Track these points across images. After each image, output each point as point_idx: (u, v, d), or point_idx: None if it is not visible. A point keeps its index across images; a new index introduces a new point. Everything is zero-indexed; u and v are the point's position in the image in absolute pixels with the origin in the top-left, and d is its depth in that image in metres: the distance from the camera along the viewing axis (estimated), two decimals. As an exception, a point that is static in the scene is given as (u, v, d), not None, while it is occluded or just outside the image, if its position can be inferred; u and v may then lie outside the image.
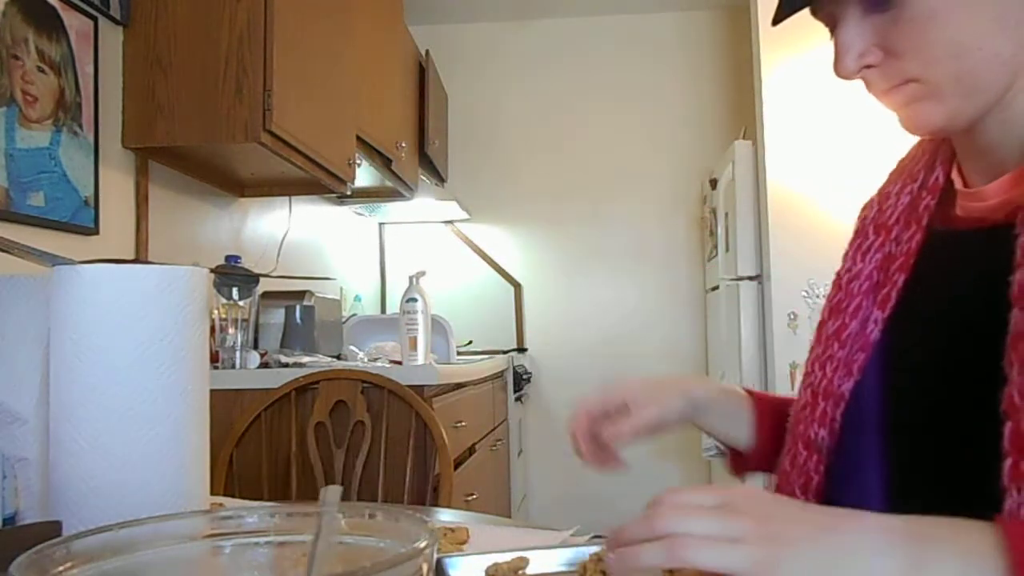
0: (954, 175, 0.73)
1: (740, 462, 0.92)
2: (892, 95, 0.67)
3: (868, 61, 0.66)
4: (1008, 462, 0.55)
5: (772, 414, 0.88)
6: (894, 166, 0.82)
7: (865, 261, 0.76)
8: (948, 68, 0.63)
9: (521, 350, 3.95)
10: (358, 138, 2.51)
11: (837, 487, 0.72)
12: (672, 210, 3.96)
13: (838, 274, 0.80)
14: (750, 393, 0.91)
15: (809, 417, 0.75)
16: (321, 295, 2.41)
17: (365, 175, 2.89)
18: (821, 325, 0.79)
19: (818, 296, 2.96)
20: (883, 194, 0.80)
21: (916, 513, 0.49)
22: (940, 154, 0.76)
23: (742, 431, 0.89)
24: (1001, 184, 0.66)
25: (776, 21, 0.68)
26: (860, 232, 0.79)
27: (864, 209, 0.82)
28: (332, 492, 0.51)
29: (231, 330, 2.01)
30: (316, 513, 0.50)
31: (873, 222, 0.78)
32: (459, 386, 2.31)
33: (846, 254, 0.80)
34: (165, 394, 0.69)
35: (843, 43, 0.66)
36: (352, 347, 2.47)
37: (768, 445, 0.87)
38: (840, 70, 0.67)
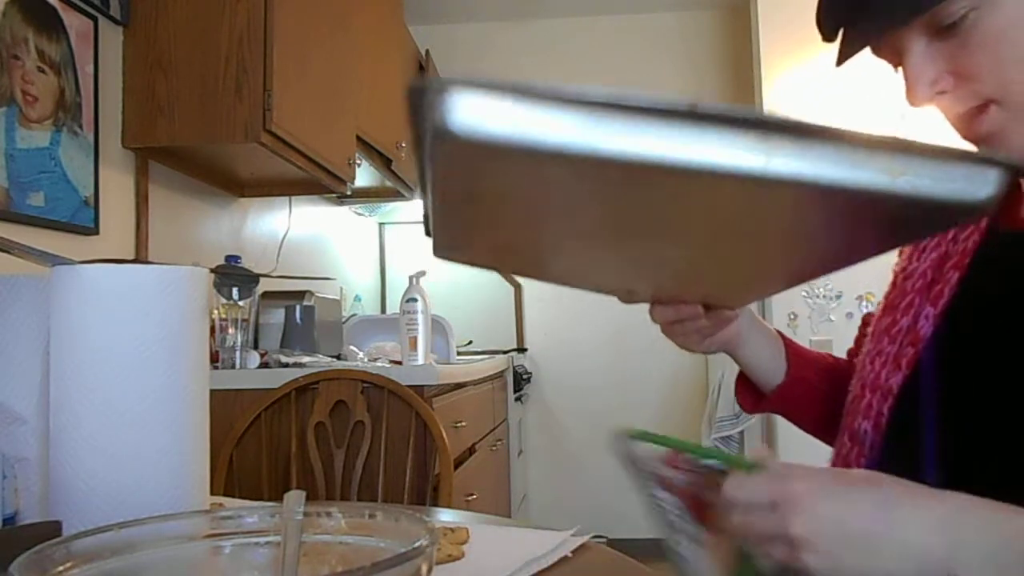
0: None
1: (756, 399, 0.96)
2: (974, 125, 0.66)
3: (941, 88, 0.66)
4: None
5: (798, 355, 0.93)
6: None
7: (921, 260, 0.77)
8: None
9: (521, 350, 3.94)
10: (358, 138, 2.51)
11: None
12: (672, 210, 3.95)
13: (894, 272, 0.81)
14: (779, 333, 0.96)
15: (856, 410, 0.76)
16: (321, 295, 2.41)
17: (365, 175, 2.89)
18: (875, 322, 0.80)
19: (818, 296, 2.96)
20: None
21: None
22: None
23: (777, 364, 0.93)
24: None
25: (840, 63, 0.69)
26: None
27: None
28: (294, 498, 0.51)
29: (231, 330, 2.01)
30: (281, 519, 0.50)
31: None
32: (459, 386, 2.31)
33: (902, 252, 0.81)
34: (165, 394, 0.69)
35: (913, 73, 0.66)
36: (352, 347, 2.47)
37: (795, 384, 0.92)
38: (913, 100, 0.67)
